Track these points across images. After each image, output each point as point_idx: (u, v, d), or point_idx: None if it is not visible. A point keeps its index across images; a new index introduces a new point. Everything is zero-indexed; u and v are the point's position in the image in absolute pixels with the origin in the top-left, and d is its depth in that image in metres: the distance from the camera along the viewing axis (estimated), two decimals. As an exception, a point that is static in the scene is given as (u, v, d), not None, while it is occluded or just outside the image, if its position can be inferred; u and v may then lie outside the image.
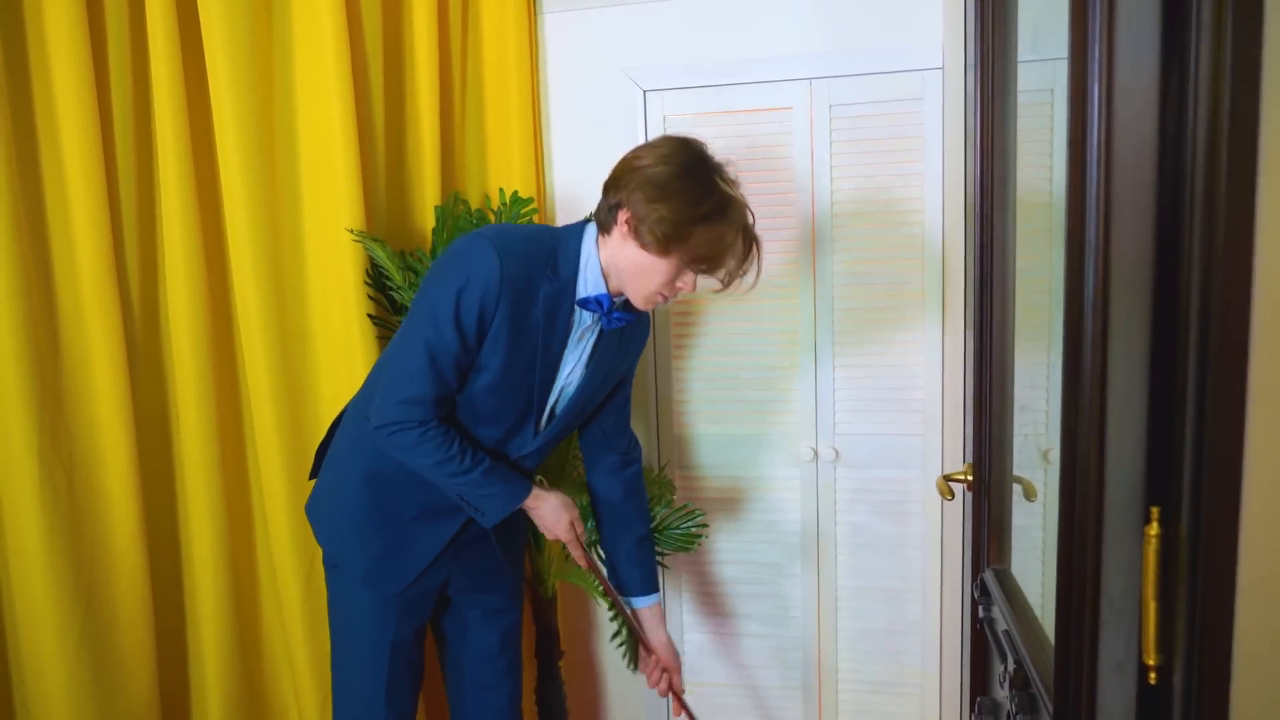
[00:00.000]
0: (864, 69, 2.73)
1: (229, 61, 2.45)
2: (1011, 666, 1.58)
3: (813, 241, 2.80)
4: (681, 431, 3.00)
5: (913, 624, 2.94)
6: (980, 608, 1.94)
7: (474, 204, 2.84)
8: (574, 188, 2.91)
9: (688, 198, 1.83)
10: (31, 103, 2.37)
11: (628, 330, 2.12)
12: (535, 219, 2.73)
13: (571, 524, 2.16)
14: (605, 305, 1.97)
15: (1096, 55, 1.04)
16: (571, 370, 2.06)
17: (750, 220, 1.93)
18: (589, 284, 1.97)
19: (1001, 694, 1.72)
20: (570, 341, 2.02)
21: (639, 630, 2.34)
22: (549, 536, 2.18)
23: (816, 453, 2.91)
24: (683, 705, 2.39)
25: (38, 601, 2.41)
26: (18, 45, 2.35)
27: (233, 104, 2.48)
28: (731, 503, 3.01)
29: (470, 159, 2.92)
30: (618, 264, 1.94)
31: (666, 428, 3.00)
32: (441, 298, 1.89)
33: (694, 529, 2.72)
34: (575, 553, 2.21)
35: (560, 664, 2.86)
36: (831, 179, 2.78)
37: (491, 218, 2.68)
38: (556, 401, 2.10)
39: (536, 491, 2.11)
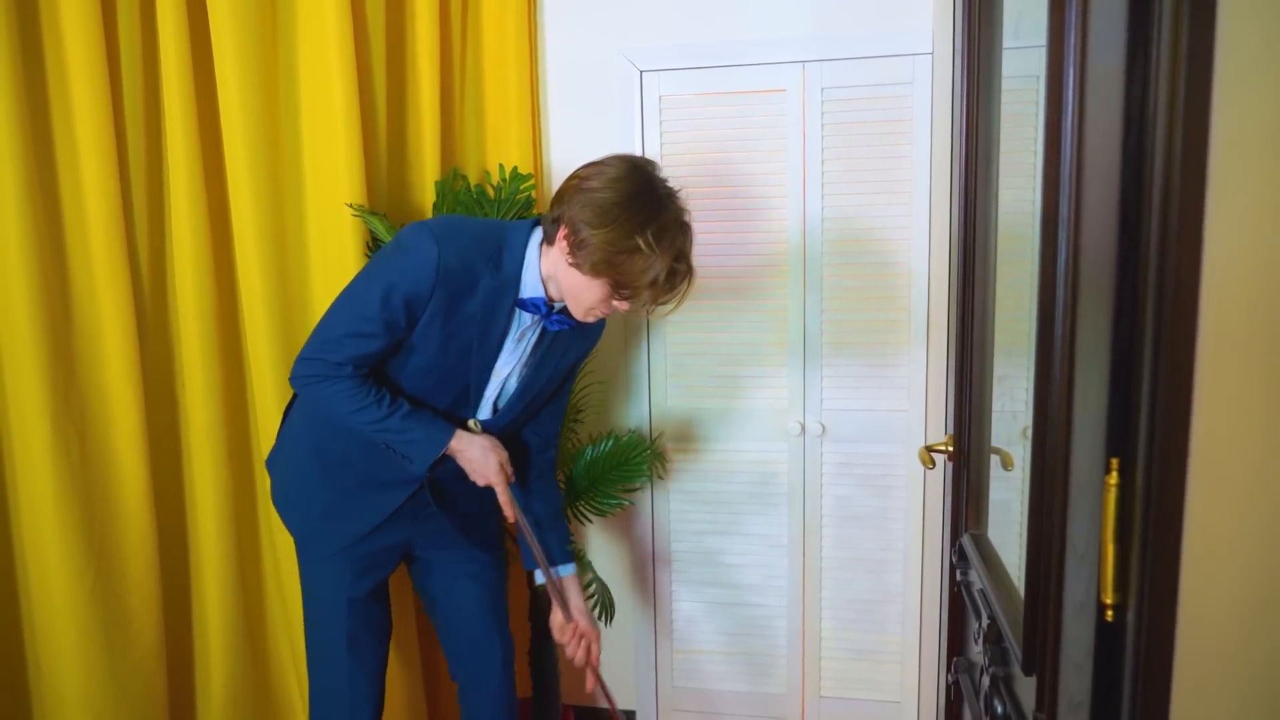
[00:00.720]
0: (856, 53, 2.80)
1: (234, 37, 2.52)
2: (985, 623, 1.67)
3: (803, 221, 2.88)
4: (672, 405, 3.09)
5: (894, 593, 3.04)
6: (958, 571, 2.03)
7: (473, 180, 2.91)
8: (570, 166, 2.95)
9: (624, 228, 1.87)
10: (45, 77, 2.43)
11: (579, 330, 2.17)
12: (533, 195, 2.80)
13: (501, 466, 2.15)
14: (543, 309, 2.05)
15: (1072, 43, 1.12)
16: (512, 367, 2.13)
17: (686, 251, 1.97)
18: (528, 286, 2.04)
19: (976, 651, 1.81)
20: (510, 336, 2.08)
21: (562, 597, 2.33)
22: (479, 482, 2.16)
23: (804, 427, 2.99)
24: (598, 679, 2.38)
25: (50, 560, 2.49)
26: (31, 16, 2.41)
27: (237, 80, 2.55)
28: (720, 475, 3.09)
29: (469, 136, 2.99)
30: (556, 276, 2.01)
31: (659, 402, 3.08)
32: (375, 290, 1.98)
33: (641, 459, 2.86)
34: (503, 499, 2.18)
35: (553, 629, 2.95)
36: (823, 160, 2.85)
37: (491, 193, 2.75)
38: (499, 395, 2.17)
39: (460, 434, 2.12)
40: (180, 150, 2.56)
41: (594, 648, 2.33)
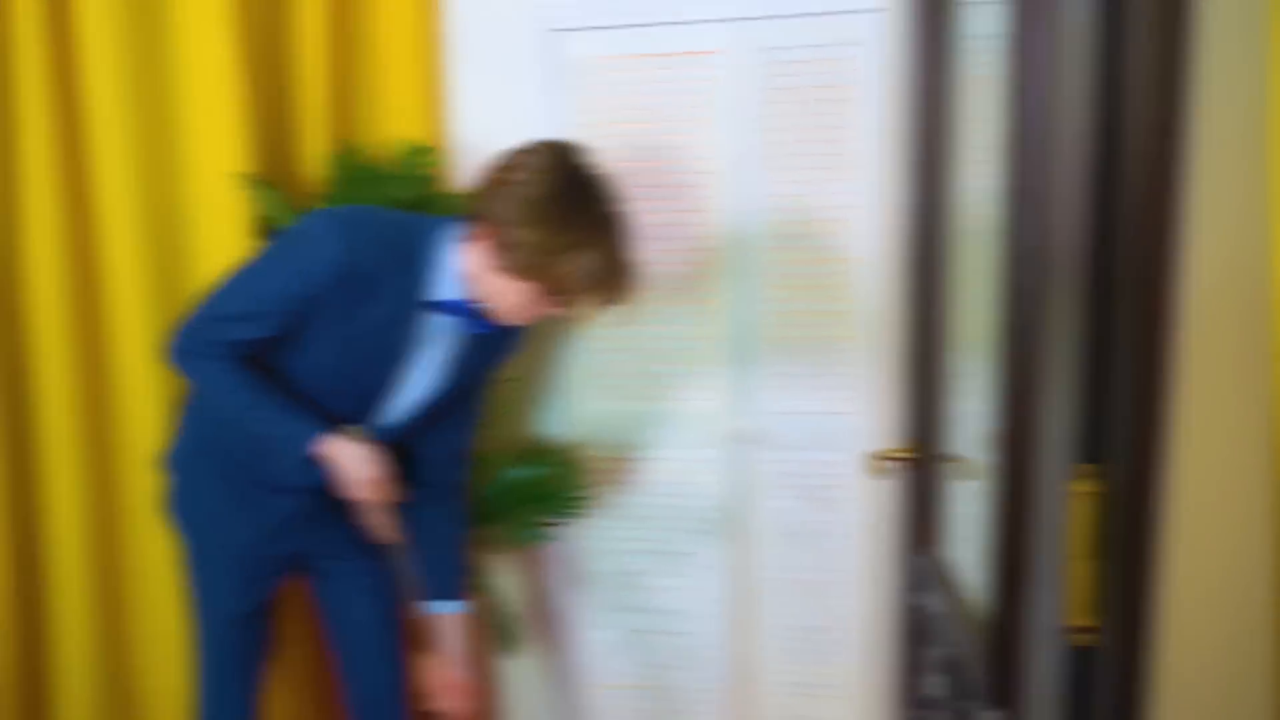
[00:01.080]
0: (798, 9, 2.79)
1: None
2: (943, 651, 1.68)
3: (739, 200, 2.87)
4: (590, 407, 3.06)
5: (840, 619, 3.04)
6: (912, 593, 2.04)
7: (369, 154, 2.85)
8: (479, 137, 2.93)
9: (553, 226, 1.89)
10: None
11: (499, 332, 2.18)
12: (433, 172, 2.76)
13: (375, 482, 2.15)
14: (463, 311, 2.07)
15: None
16: (424, 370, 2.16)
17: (626, 246, 1.99)
18: (446, 287, 2.05)
19: (933, 682, 1.82)
20: (422, 341, 2.11)
21: (438, 639, 2.40)
22: (348, 494, 2.17)
23: (738, 433, 2.99)
24: None
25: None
26: None
27: (100, 35, 2.54)
28: (644, 486, 3.08)
29: (363, 104, 2.94)
30: (479, 277, 2.02)
31: (574, 404, 3.05)
32: (271, 277, 2.03)
33: (574, 494, 2.91)
34: (375, 519, 2.19)
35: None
36: (761, 131, 2.84)
37: (389, 168, 2.72)
38: (409, 402, 2.20)
39: (333, 439, 2.12)
40: (35, 119, 2.56)
41: (468, 705, 2.43)
